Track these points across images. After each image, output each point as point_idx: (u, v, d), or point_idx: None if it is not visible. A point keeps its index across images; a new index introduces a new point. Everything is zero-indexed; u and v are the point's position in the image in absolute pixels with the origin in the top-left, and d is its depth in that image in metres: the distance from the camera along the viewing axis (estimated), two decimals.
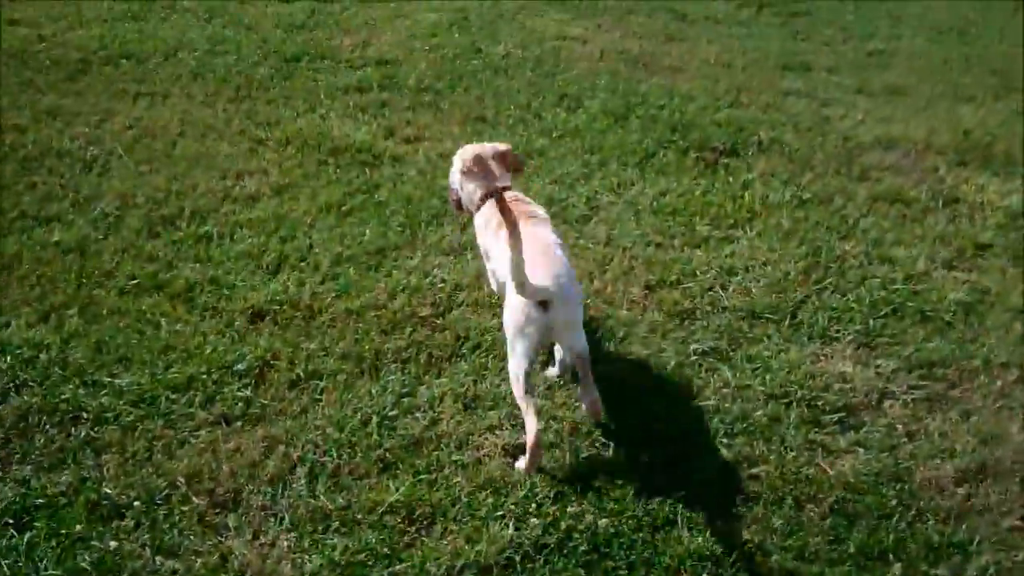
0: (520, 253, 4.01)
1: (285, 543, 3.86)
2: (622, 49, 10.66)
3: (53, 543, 3.81)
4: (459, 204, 5.16)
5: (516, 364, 4.25)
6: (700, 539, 3.97)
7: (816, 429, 4.65)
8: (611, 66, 9.98)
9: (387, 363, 4.88)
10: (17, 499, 3.99)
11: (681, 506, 4.11)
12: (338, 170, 6.93)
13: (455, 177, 5.12)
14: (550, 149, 7.60)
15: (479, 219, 4.91)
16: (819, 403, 4.81)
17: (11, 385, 4.63)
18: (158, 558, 3.78)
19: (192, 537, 3.88)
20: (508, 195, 4.47)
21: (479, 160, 4.98)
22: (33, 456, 4.24)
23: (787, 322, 5.45)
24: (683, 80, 9.72)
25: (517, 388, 4.24)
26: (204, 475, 4.14)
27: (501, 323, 4.68)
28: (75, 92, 8.17)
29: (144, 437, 4.34)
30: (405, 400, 4.63)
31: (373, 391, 4.67)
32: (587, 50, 10.54)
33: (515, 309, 4.24)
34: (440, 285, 5.51)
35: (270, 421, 4.46)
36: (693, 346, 5.18)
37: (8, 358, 4.77)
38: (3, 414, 4.44)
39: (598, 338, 5.16)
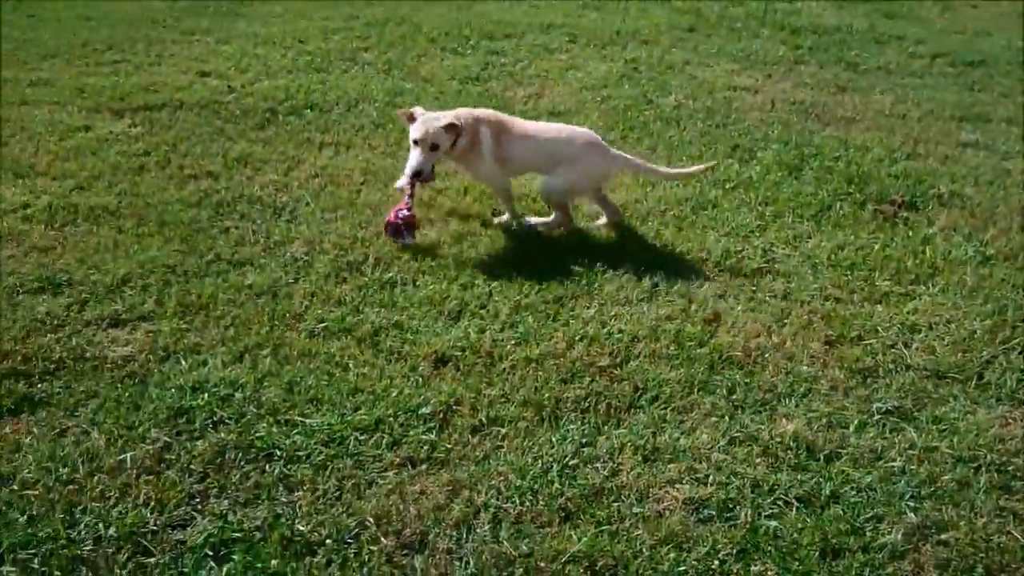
0: None
1: None
2: (793, 99, 10.60)
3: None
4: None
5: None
6: None
7: (1006, 495, 4.51)
8: (783, 116, 9.93)
9: (567, 411, 4.94)
10: (215, 532, 4.18)
11: (868, 570, 4.04)
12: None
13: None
14: (723, 200, 7.60)
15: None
16: (1009, 468, 4.67)
17: (208, 422, 4.85)
18: None
19: None
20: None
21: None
22: (230, 491, 4.42)
23: (973, 382, 5.32)
24: (857, 131, 9.60)
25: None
26: (392, 516, 4.25)
27: (680, 376, 4.74)
28: (263, 140, 8.56)
29: (335, 476, 4.49)
30: (585, 450, 4.67)
31: (553, 439, 4.73)
32: (758, 100, 10.51)
33: None
34: (617, 336, 5.55)
35: (454, 465, 4.56)
36: (876, 404, 5.09)
37: (206, 395, 5.00)
38: (201, 450, 4.65)
39: (779, 392, 5.13)
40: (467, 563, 4.05)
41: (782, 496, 4.42)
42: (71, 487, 4.46)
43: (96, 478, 4.50)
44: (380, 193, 7.45)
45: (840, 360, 5.46)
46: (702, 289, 6.14)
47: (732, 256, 6.61)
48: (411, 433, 4.76)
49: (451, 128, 6.47)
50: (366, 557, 4.08)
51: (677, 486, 4.46)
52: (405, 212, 6.46)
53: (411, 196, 6.55)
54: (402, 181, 6.75)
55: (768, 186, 7.89)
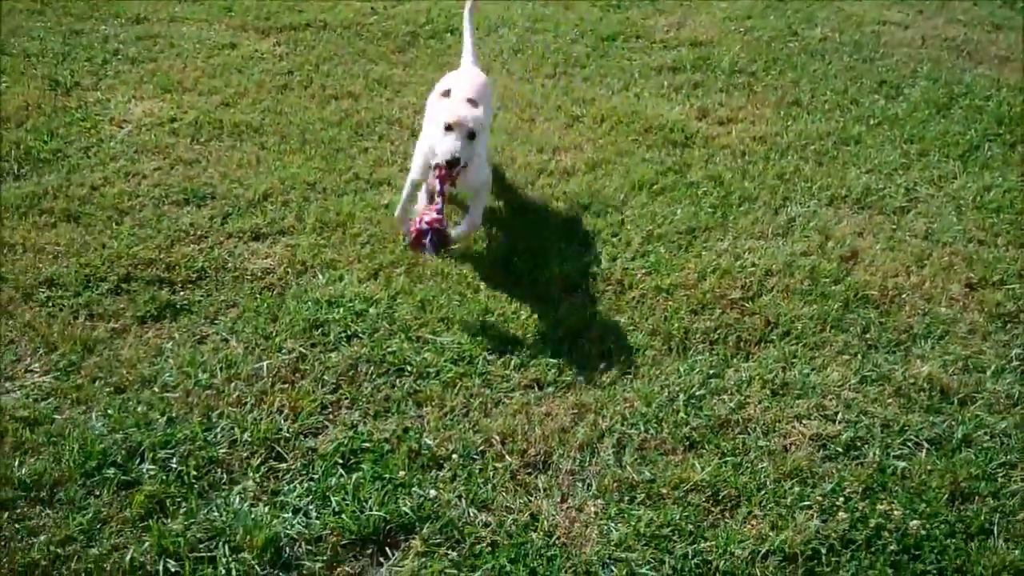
0: None
1: (592, 509, 3.98)
2: (945, 36, 10.20)
3: (377, 485, 4.08)
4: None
5: None
6: (1017, 551, 3.81)
7: None
8: (933, 53, 9.58)
9: (695, 343, 4.92)
10: (346, 442, 4.29)
11: (998, 516, 3.95)
12: (650, 149, 7.00)
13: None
14: (867, 137, 7.40)
15: None
16: None
17: (343, 335, 4.97)
18: (472, 510, 3.97)
19: (504, 494, 4.06)
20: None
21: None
22: (361, 403, 4.54)
23: None
24: (1011, 71, 9.20)
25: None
26: (517, 435, 4.31)
27: (813, 312, 4.69)
28: (404, 63, 8.63)
29: (463, 394, 4.56)
30: (712, 381, 4.65)
31: (680, 369, 4.72)
32: (907, 36, 10.15)
33: None
34: (751, 269, 5.48)
35: (580, 390, 4.59)
36: (1016, 350, 4.94)
37: (341, 310, 5.12)
38: (335, 362, 4.77)
39: (915, 334, 5.01)
40: (589, 485, 4.10)
41: (912, 437, 4.34)
42: (209, 392, 4.63)
43: (233, 384, 4.66)
44: (517, 118, 7.45)
45: (980, 304, 5.31)
46: (840, 226, 6.01)
47: (873, 194, 6.45)
48: (539, 356, 4.80)
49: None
50: (491, 473, 4.15)
51: (805, 422, 4.42)
52: (434, 215, 5.01)
53: (442, 195, 5.08)
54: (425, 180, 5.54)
55: (914, 124, 7.65)
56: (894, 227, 6.05)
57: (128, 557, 3.77)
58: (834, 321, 5.06)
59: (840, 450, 4.26)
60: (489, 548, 3.81)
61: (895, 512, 3.93)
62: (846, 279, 5.43)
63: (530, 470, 4.18)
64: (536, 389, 4.62)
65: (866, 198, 6.38)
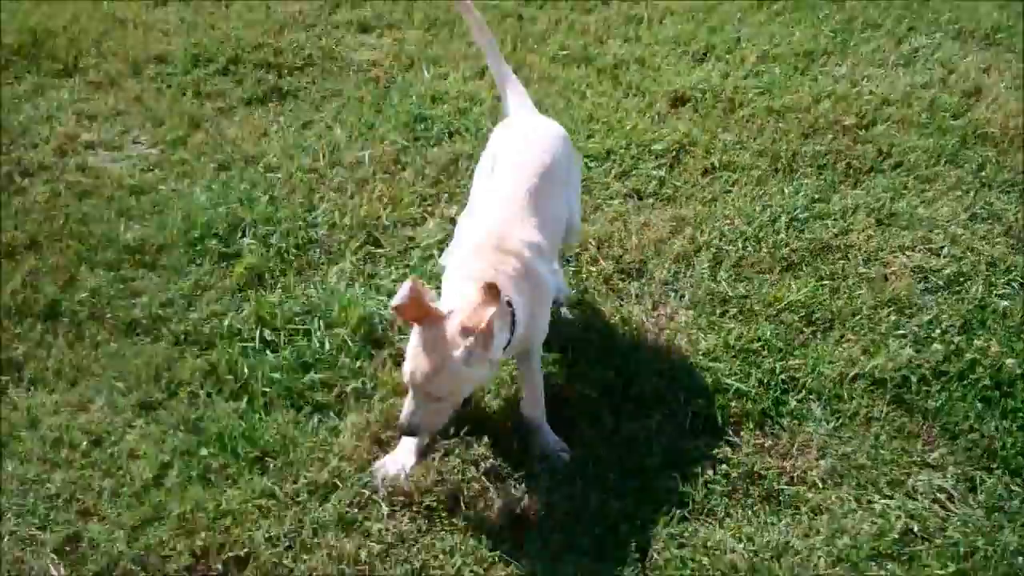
0: None
1: (683, 318, 3.98)
2: None
3: None
4: None
5: None
6: None
7: None
8: None
9: (803, 166, 4.82)
10: (442, 236, 4.31)
11: None
12: None
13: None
14: None
15: None
16: None
17: (445, 131, 4.96)
18: (563, 310, 3.99)
19: (597, 296, 4.07)
20: None
21: None
22: (458, 198, 4.54)
23: None
24: None
25: None
26: (614, 242, 4.30)
27: (928, 145, 4.57)
28: None
29: None
30: (817, 205, 4.57)
31: (785, 191, 4.64)
32: None
33: None
34: (868, 97, 5.30)
35: (680, 203, 4.55)
36: None
37: (445, 106, 5.10)
38: (435, 156, 4.78)
39: None
40: (682, 296, 4.09)
41: (1018, 278, 4.23)
42: (312, 175, 4.68)
43: (335, 170, 4.70)
44: None
45: None
46: (966, 61, 5.76)
47: (1003, 30, 6.14)
48: (641, 166, 4.75)
49: None
50: (585, 275, 4.16)
51: (908, 253, 4.33)
52: None
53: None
54: None
55: None
56: (1022, 66, 5.77)
57: (227, 323, 3.88)
58: (949, 156, 4.90)
59: (941, 283, 4.18)
60: (578, 345, 3.83)
61: (991, 348, 3.86)
62: (966, 115, 5.23)
63: (624, 276, 4.19)
64: (636, 199, 4.59)
65: (995, 34, 6.08)
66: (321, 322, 3.88)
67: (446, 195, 4.59)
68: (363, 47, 5.67)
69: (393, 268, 4.17)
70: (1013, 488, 3.41)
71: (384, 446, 3.40)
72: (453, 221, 4.38)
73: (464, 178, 4.62)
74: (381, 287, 4.07)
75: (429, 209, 4.53)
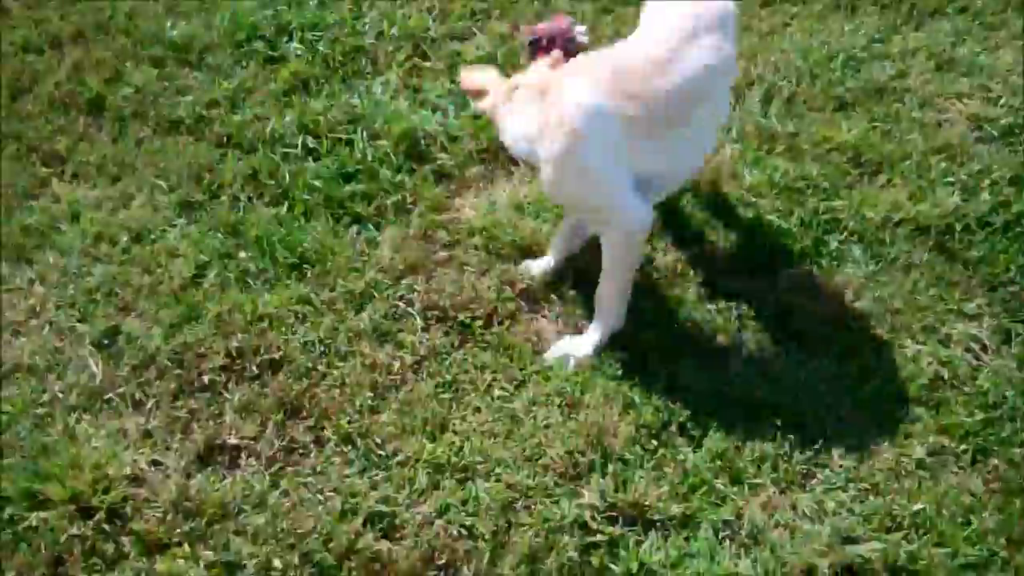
0: None
1: (729, 152, 3.91)
2: None
3: None
4: None
5: None
6: None
7: None
8: None
9: (865, 3, 4.66)
10: (490, 51, 4.23)
11: None
12: None
13: None
14: None
15: None
16: None
17: None
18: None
19: None
20: None
21: None
22: (512, 15, 4.46)
23: None
24: None
25: None
26: None
27: None
28: None
29: (616, 23, 4.42)
30: (876, 46, 4.43)
31: (846, 28, 4.50)
32: None
33: None
34: None
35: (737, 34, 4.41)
36: None
37: None
38: None
39: None
40: (730, 129, 3.99)
41: None
42: None
43: None
44: None
45: None
46: None
47: None
48: None
49: None
50: None
51: (965, 100, 4.21)
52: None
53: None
54: None
55: None
56: None
57: (269, 128, 3.87)
58: (1017, 3, 4.71)
59: (996, 134, 4.07)
60: None
61: None
62: None
63: None
64: None
65: None
66: (364, 133, 3.86)
67: (497, 11, 4.49)
68: None
69: (439, 83, 4.11)
70: None
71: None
72: (502, 37, 4.30)
73: None
74: (426, 102, 4.02)
75: (479, 24, 4.44)
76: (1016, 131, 4.11)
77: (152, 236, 3.48)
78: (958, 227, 3.69)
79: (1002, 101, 4.22)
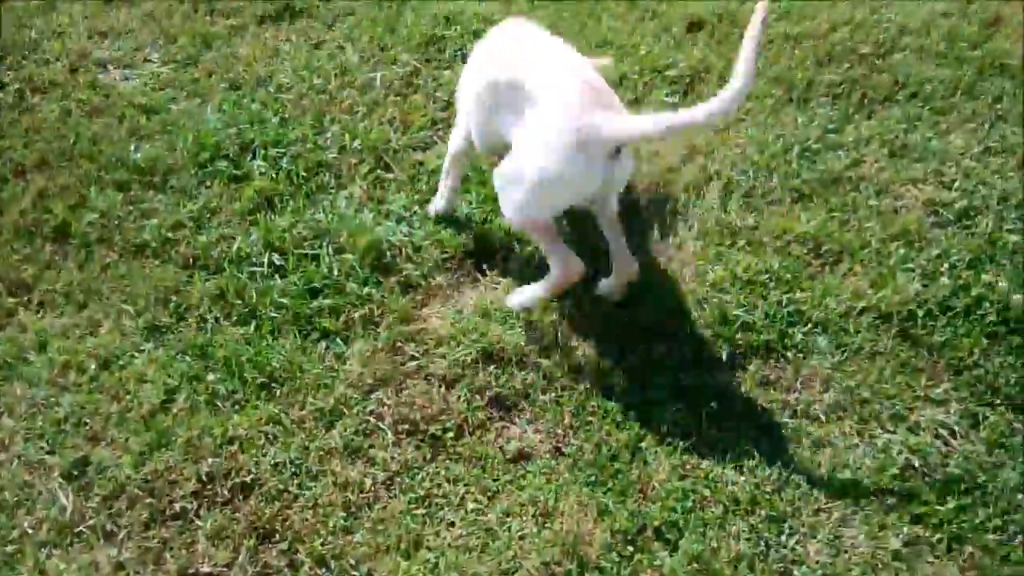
0: None
1: (691, 248, 3.97)
2: None
3: (480, 202, 4.10)
4: None
5: None
6: None
7: None
8: None
9: (817, 95, 4.75)
10: None
11: None
12: None
13: None
14: None
15: None
16: None
17: (459, 53, 4.94)
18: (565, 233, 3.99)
19: None
20: None
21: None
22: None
23: None
24: None
25: None
26: None
27: (945, 76, 4.54)
28: None
29: None
30: (831, 136, 4.51)
31: (799, 120, 4.58)
32: None
33: None
34: (886, 25, 5.20)
35: (692, 131, 4.50)
36: None
37: (459, 28, 5.09)
38: (448, 79, 4.74)
39: None
40: (691, 226, 4.07)
41: None
42: (322, 96, 4.65)
43: (346, 92, 4.67)
44: None
45: None
46: None
47: None
48: (654, 93, 4.69)
49: None
50: None
51: (920, 186, 4.29)
52: None
53: None
54: None
55: None
56: None
57: (235, 247, 3.90)
58: (966, 87, 4.82)
59: (952, 217, 4.14)
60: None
61: (999, 284, 3.85)
62: (985, 45, 5.13)
63: (633, 206, 4.15)
64: None
65: None
66: (330, 247, 3.89)
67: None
68: None
69: (403, 194, 4.15)
70: (1016, 424, 3.42)
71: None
72: None
73: None
74: (391, 212, 4.07)
75: (440, 133, 4.50)
76: (971, 214, 4.18)
77: (120, 362, 3.48)
78: (920, 313, 3.73)
79: (956, 184, 4.29)
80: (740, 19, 5.15)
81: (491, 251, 3.95)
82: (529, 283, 3.61)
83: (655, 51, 4.91)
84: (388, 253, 3.88)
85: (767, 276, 3.85)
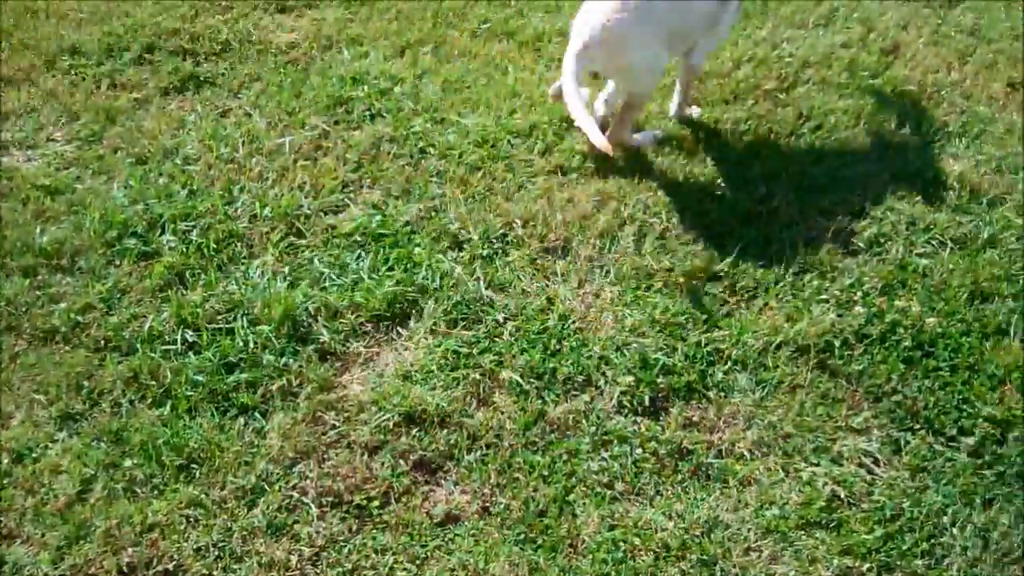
0: None
1: (609, 295, 3.98)
2: None
3: (395, 263, 4.09)
4: None
5: None
6: None
7: None
8: None
9: (725, 133, 4.81)
10: (366, 221, 4.27)
11: (1016, 316, 3.93)
12: None
13: None
14: None
15: None
16: None
17: (367, 113, 4.91)
18: (489, 292, 3.98)
19: (522, 277, 4.06)
20: None
21: None
22: (382, 183, 4.51)
23: None
24: None
25: None
26: (538, 220, 4.28)
27: (847, 106, 4.63)
28: None
29: (486, 177, 4.52)
30: (739, 172, 4.57)
31: (708, 160, 4.63)
32: None
33: None
34: (788, 59, 5.30)
35: (604, 177, 4.53)
36: None
37: (366, 87, 5.04)
38: (358, 140, 4.72)
39: (949, 132, 4.87)
40: (607, 272, 4.09)
41: (937, 236, 4.27)
42: (231, 166, 4.61)
43: (255, 159, 4.64)
44: None
45: (1020, 104, 5.13)
46: (884, 17, 5.76)
47: None
48: (564, 142, 4.72)
49: None
50: (510, 258, 4.14)
51: (829, 217, 4.35)
52: None
53: None
54: None
55: None
56: (940, 21, 5.79)
57: (147, 326, 3.83)
58: (868, 116, 4.92)
59: (863, 245, 4.21)
60: (504, 329, 3.83)
61: (912, 308, 3.91)
62: (885, 73, 5.25)
63: (549, 256, 4.17)
64: (559, 175, 4.56)
65: None
66: (244, 319, 3.84)
67: (368, 180, 4.54)
68: (281, 28, 5.58)
69: (315, 259, 4.12)
70: (936, 447, 3.48)
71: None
72: (375, 207, 4.35)
73: (386, 162, 4.58)
74: (304, 279, 4.03)
75: (351, 195, 4.48)
76: (881, 240, 4.26)
77: (33, 455, 3.39)
78: (837, 343, 3.78)
79: (864, 212, 4.37)
80: None
81: (407, 313, 3.92)
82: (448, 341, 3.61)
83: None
84: (304, 321, 3.84)
85: (684, 317, 3.88)
